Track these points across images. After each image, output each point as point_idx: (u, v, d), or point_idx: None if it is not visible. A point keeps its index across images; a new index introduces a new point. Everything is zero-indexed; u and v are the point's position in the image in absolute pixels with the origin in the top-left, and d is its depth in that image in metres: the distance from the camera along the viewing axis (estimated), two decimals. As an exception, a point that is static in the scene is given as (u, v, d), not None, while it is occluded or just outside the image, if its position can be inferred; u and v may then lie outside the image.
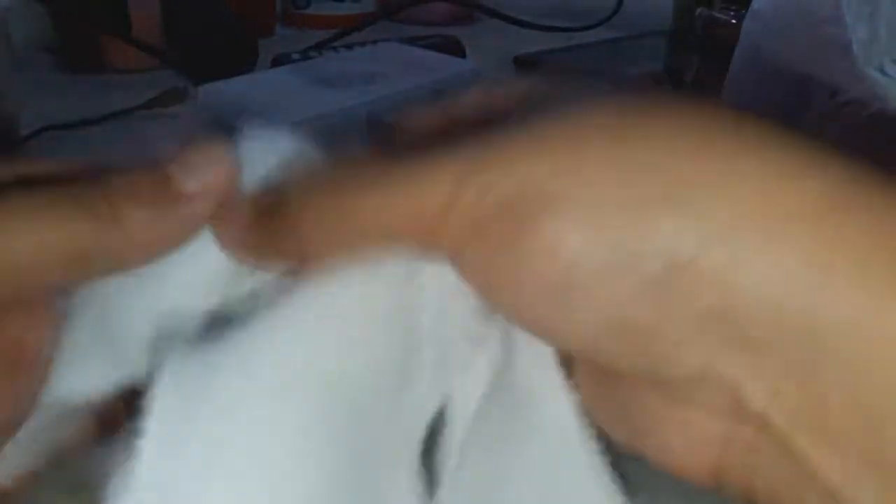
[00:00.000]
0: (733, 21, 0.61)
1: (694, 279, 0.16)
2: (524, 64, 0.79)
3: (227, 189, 0.20)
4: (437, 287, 0.20)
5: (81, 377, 0.20)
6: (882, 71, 0.31)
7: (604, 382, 0.20)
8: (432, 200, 0.18)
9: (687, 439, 0.18)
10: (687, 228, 0.16)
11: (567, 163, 0.17)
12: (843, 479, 0.16)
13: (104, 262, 0.19)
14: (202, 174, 0.20)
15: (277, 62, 0.70)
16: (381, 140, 0.22)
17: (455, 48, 0.77)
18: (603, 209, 0.17)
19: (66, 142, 0.59)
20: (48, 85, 0.73)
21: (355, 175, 0.19)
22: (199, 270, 0.20)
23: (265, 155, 0.21)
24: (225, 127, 0.22)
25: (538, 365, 0.20)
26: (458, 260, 0.18)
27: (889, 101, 0.31)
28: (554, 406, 0.20)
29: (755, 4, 0.41)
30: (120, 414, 0.21)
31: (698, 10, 0.65)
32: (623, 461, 0.20)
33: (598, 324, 0.17)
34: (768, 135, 0.17)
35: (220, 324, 0.20)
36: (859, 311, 0.15)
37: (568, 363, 0.20)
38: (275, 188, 0.20)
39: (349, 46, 0.74)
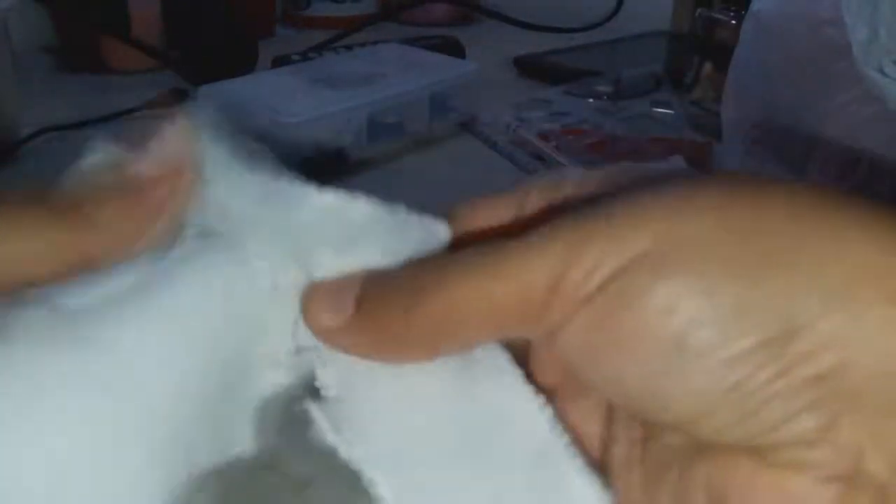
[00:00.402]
0: (733, 22, 0.61)
1: (813, 340, 0.16)
2: (524, 65, 0.79)
3: (182, 155, 0.20)
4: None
5: None
6: (882, 71, 0.31)
7: (674, 457, 0.19)
8: (537, 281, 0.18)
9: None
10: (806, 289, 0.16)
11: (677, 229, 0.17)
12: None
13: (82, 263, 0.19)
14: (156, 155, 0.20)
15: (278, 63, 0.70)
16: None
17: (455, 49, 0.77)
18: (718, 271, 0.17)
19: (66, 142, 0.59)
20: (48, 85, 0.73)
21: (456, 263, 0.19)
22: None
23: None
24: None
25: (503, 385, 0.20)
26: (558, 335, 0.18)
27: (889, 101, 0.31)
28: (528, 421, 0.20)
29: (755, 5, 0.41)
30: None
31: (698, 11, 0.65)
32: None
33: (712, 390, 0.17)
34: (865, 204, 0.17)
35: None
36: None
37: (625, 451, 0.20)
38: (368, 278, 0.20)
39: (349, 47, 0.74)
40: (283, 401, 0.21)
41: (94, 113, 0.62)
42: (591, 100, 0.69)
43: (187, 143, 0.21)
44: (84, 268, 0.19)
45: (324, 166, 0.54)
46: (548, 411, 0.20)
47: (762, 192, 0.18)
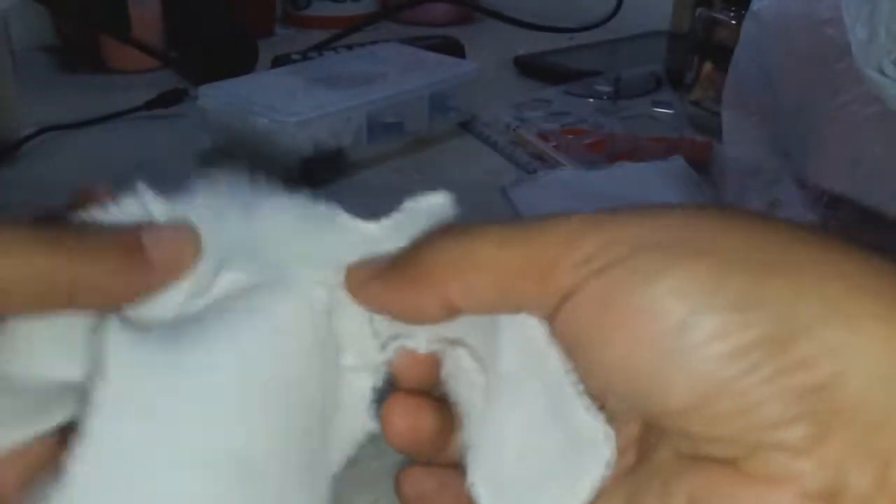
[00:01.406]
0: (733, 21, 0.61)
1: (813, 347, 0.16)
2: (524, 64, 0.79)
3: (184, 265, 0.21)
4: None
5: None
6: (881, 71, 0.31)
7: (665, 468, 0.19)
8: (547, 250, 0.19)
9: None
10: (808, 294, 0.17)
11: (690, 225, 0.18)
12: None
13: (62, 298, 0.20)
14: (166, 249, 0.21)
15: (277, 63, 0.70)
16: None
17: (455, 49, 0.77)
18: (725, 266, 0.17)
19: (66, 142, 0.59)
20: (48, 85, 0.73)
21: (480, 231, 0.20)
22: None
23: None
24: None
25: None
26: (563, 309, 0.19)
27: (888, 101, 0.31)
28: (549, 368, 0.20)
29: (755, 5, 0.41)
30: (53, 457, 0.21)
31: (698, 11, 0.65)
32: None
33: (699, 387, 0.17)
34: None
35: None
36: None
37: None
38: (407, 247, 0.22)
39: (349, 47, 0.74)
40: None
41: (95, 112, 0.62)
42: (591, 99, 0.69)
43: (194, 249, 0.22)
44: (59, 301, 0.20)
45: (323, 166, 0.54)
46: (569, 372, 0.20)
47: (764, 215, 0.19)
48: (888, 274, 0.17)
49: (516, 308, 0.20)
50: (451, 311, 0.20)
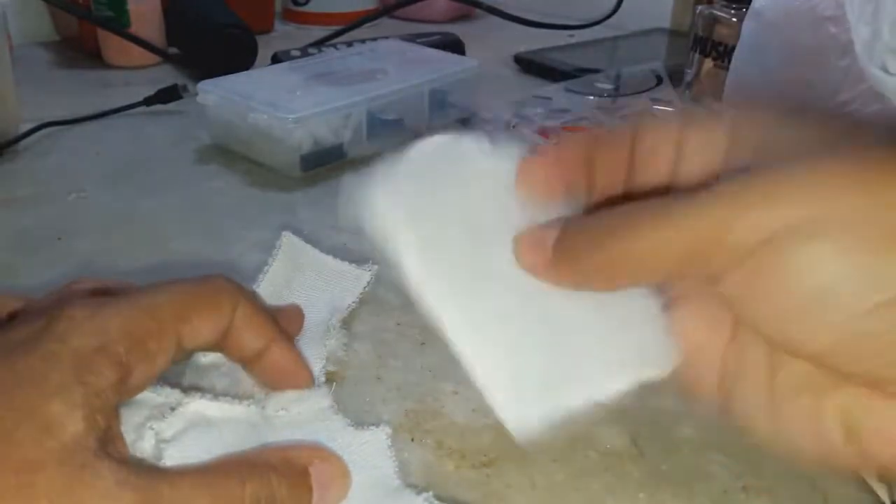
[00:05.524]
0: (734, 19, 0.61)
1: None
2: (524, 61, 0.79)
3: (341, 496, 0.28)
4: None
5: None
6: (884, 69, 0.31)
7: (806, 385, 0.23)
8: (705, 234, 0.21)
9: None
10: None
11: (828, 202, 0.21)
12: None
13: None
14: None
15: (277, 59, 0.70)
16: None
17: (455, 45, 0.77)
18: (859, 239, 0.20)
19: (64, 138, 0.59)
20: (46, 81, 0.73)
21: (633, 216, 0.23)
22: None
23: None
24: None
25: None
26: (720, 282, 0.22)
27: (891, 98, 0.31)
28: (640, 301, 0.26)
29: (756, 3, 0.41)
30: None
31: (699, 8, 0.64)
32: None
33: (843, 333, 0.20)
34: None
35: None
36: None
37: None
38: (564, 226, 0.25)
39: (349, 43, 0.74)
40: None
41: (93, 108, 0.62)
42: (591, 97, 0.69)
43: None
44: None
45: (323, 162, 0.54)
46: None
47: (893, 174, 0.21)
48: None
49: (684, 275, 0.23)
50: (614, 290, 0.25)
